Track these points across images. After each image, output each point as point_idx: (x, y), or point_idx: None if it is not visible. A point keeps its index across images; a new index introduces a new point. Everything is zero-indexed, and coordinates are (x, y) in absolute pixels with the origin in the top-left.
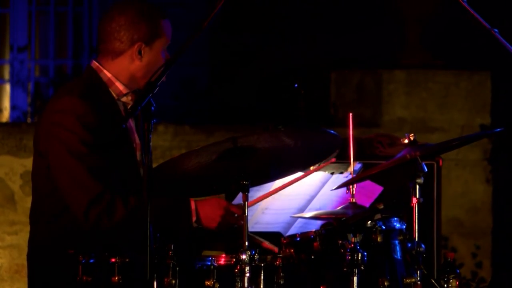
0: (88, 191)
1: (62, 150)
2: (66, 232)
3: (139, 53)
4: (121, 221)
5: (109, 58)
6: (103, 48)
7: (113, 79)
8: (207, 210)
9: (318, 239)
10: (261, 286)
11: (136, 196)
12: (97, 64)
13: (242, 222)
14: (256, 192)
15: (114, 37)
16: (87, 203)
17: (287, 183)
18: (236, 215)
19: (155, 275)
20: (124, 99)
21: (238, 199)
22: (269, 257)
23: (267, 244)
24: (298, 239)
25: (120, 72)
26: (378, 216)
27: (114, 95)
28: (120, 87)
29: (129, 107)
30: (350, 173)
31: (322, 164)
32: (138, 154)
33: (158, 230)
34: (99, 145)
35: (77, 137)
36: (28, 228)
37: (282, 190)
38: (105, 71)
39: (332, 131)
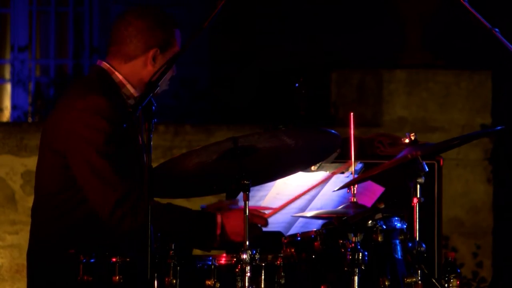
0: (116, 190)
1: (88, 149)
2: (68, 232)
3: (153, 59)
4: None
5: (122, 61)
6: (115, 50)
7: (124, 81)
8: (233, 225)
9: (319, 239)
10: (262, 286)
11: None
12: (108, 65)
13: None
14: (256, 192)
15: (130, 41)
16: (114, 202)
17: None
18: (259, 225)
19: (155, 274)
20: (132, 101)
21: (239, 198)
22: (270, 256)
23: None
24: (299, 238)
25: (131, 75)
26: (379, 215)
27: (125, 97)
28: (131, 89)
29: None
30: (351, 173)
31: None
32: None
33: (183, 242)
34: (123, 144)
35: (104, 136)
36: (29, 228)
37: (282, 190)
38: (116, 73)
39: (332, 131)
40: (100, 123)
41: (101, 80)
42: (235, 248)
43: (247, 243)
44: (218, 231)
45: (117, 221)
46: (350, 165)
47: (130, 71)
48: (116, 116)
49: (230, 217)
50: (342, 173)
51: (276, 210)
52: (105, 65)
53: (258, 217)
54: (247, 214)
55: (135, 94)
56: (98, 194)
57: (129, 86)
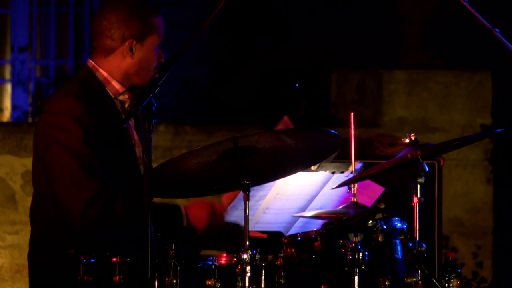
0: (87, 190)
1: (59, 150)
2: (67, 232)
3: (130, 50)
4: (119, 219)
5: (102, 56)
6: (96, 46)
7: (109, 78)
8: (193, 212)
9: (319, 239)
10: (262, 286)
11: (134, 195)
12: (93, 63)
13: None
14: (256, 192)
15: (105, 35)
16: (86, 202)
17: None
18: (222, 214)
19: (156, 274)
20: (121, 97)
21: (239, 198)
22: (270, 256)
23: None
24: (299, 238)
25: (113, 70)
26: (379, 215)
27: (111, 94)
28: (116, 86)
29: (126, 105)
30: (351, 172)
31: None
32: (137, 151)
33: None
34: (97, 145)
35: (74, 137)
36: (29, 228)
37: (282, 190)
38: (101, 70)
39: (332, 131)
40: (70, 125)
41: (84, 79)
42: (235, 248)
43: (247, 243)
44: (185, 222)
45: (90, 220)
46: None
47: (111, 66)
48: (90, 118)
49: (191, 206)
50: (342, 172)
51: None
52: (90, 63)
53: (217, 205)
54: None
55: (121, 90)
56: (70, 194)
57: (114, 83)
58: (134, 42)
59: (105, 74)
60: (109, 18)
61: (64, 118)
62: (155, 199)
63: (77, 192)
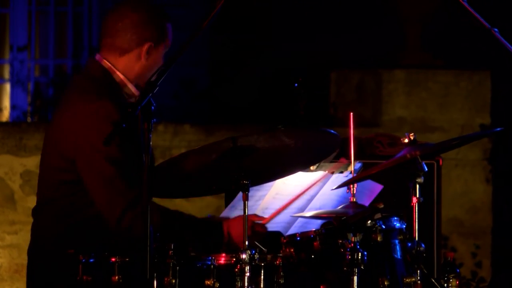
0: (124, 197)
1: (97, 156)
2: (68, 234)
3: (147, 53)
4: (156, 225)
5: (116, 54)
6: (108, 43)
7: (125, 80)
8: (237, 230)
9: (318, 239)
10: (261, 286)
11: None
12: (108, 64)
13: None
14: (255, 192)
15: (125, 34)
16: (123, 209)
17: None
18: (259, 232)
19: (155, 274)
20: (133, 100)
21: (238, 198)
22: (269, 256)
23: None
24: (298, 238)
25: (127, 71)
26: (378, 215)
27: (126, 97)
28: (132, 89)
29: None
30: (351, 172)
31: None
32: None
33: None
34: (131, 150)
35: (113, 143)
36: (28, 228)
37: (281, 190)
38: (118, 72)
39: (332, 131)
40: (108, 129)
41: (105, 81)
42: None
43: (246, 243)
44: (226, 240)
45: (127, 227)
46: (343, 164)
47: (125, 67)
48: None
49: (233, 224)
50: (341, 172)
51: (274, 215)
52: (105, 63)
53: (258, 225)
54: (246, 217)
55: (136, 94)
56: (106, 201)
57: (130, 86)
58: (152, 46)
59: (121, 76)
60: (131, 17)
61: (103, 122)
62: (196, 215)
63: (114, 199)
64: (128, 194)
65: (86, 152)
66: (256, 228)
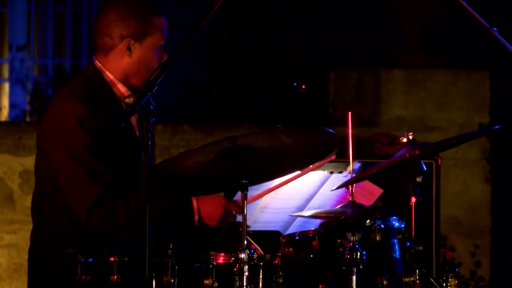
0: (90, 193)
1: (64, 153)
2: (67, 232)
3: (128, 49)
4: (123, 222)
5: (102, 54)
6: (96, 44)
7: (115, 80)
8: (207, 209)
9: (317, 238)
10: (260, 285)
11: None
12: (99, 64)
13: (239, 219)
14: (255, 191)
15: (104, 33)
16: (90, 204)
17: (286, 180)
18: (234, 212)
19: (154, 274)
20: (127, 100)
21: (237, 197)
22: (268, 256)
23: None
24: (297, 238)
25: (114, 70)
26: (377, 215)
27: (118, 95)
28: (122, 89)
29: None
30: (349, 172)
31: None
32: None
33: (161, 230)
34: (101, 148)
35: (78, 141)
36: (27, 227)
37: (280, 190)
38: (107, 72)
39: (330, 130)
40: (74, 128)
41: (93, 79)
42: (233, 248)
43: (245, 242)
44: (196, 217)
45: (94, 223)
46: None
47: (112, 65)
48: (95, 120)
49: (205, 202)
50: (340, 172)
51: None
52: (97, 63)
53: (233, 205)
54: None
55: (126, 94)
56: (74, 198)
57: (119, 86)
58: (132, 41)
59: (111, 76)
60: (108, 16)
61: (69, 121)
62: None
63: (81, 196)
64: (94, 192)
65: (56, 150)
66: (230, 206)
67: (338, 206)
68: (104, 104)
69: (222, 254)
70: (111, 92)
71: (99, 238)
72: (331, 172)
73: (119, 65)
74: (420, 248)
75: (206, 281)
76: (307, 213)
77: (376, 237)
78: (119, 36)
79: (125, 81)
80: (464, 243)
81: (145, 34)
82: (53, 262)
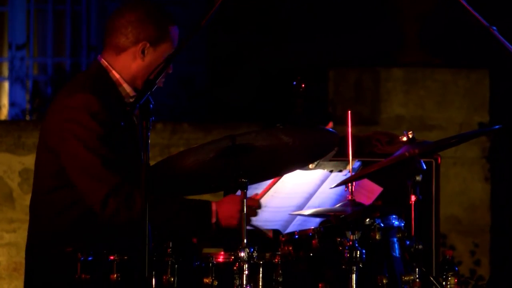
0: (106, 183)
1: (78, 145)
2: (65, 230)
3: (142, 52)
4: (140, 212)
5: (114, 53)
6: (108, 42)
7: (121, 80)
8: (225, 209)
9: (316, 237)
10: (260, 284)
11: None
12: (106, 63)
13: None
14: (254, 190)
15: (120, 32)
16: (106, 194)
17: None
18: (253, 207)
19: (153, 272)
20: (131, 100)
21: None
22: (267, 254)
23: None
24: (296, 236)
25: (123, 70)
26: (376, 213)
27: (123, 94)
28: (127, 89)
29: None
30: (349, 171)
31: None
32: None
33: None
34: (112, 141)
35: (93, 133)
36: (26, 226)
37: (281, 189)
38: (113, 71)
39: (330, 129)
40: (88, 121)
41: (98, 77)
42: (233, 246)
43: (245, 241)
44: (213, 219)
45: (111, 213)
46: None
47: (122, 66)
48: (106, 114)
49: (222, 203)
50: (340, 171)
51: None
52: (103, 62)
53: (250, 199)
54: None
55: (131, 94)
56: (89, 189)
57: (125, 86)
58: (148, 45)
59: (117, 75)
60: (127, 17)
61: (82, 113)
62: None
63: (98, 185)
64: (110, 181)
65: (68, 142)
66: (248, 203)
67: (337, 205)
68: (111, 101)
69: (222, 252)
70: (116, 91)
71: (114, 227)
72: (331, 171)
73: (130, 66)
74: (420, 246)
75: (206, 280)
76: (306, 211)
77: (375, 236)
78: (135, 38)
79: (131, 82)
80: (463, 242)
81: (160, 40)
82: (51, 260)
